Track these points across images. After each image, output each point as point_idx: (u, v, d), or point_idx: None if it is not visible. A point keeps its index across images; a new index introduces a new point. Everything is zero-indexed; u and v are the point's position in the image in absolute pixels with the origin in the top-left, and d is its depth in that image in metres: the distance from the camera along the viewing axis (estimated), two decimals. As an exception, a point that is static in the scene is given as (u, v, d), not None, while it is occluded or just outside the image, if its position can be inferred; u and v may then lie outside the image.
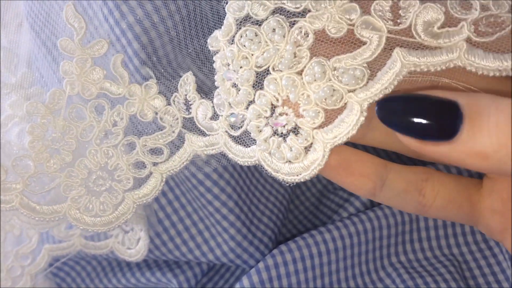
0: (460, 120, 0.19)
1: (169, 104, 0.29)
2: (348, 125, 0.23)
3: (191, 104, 0.28)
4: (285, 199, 0.44)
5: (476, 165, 0.19)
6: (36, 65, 0.35)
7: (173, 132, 0.29)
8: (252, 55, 0.24)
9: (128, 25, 0.30)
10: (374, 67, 0.23)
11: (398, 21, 0.22)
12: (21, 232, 0.41)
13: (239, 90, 0.25)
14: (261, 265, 0.35)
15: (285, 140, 0.24)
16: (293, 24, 0.23)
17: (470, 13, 0.21)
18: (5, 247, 0.40)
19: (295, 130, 0.24)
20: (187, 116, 0.28)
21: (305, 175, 0.24)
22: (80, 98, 0.30)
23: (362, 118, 0.23)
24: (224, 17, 0.25)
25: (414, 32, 0.22)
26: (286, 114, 0.24)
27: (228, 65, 0.25)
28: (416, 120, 0.20)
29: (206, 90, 0.28)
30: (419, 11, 0.22)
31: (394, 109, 0.21)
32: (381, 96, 0.22)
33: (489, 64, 0.21)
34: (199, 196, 0.40)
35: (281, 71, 0.24)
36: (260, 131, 0.25)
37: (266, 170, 0.25)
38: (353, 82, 0.23)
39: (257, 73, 0.24)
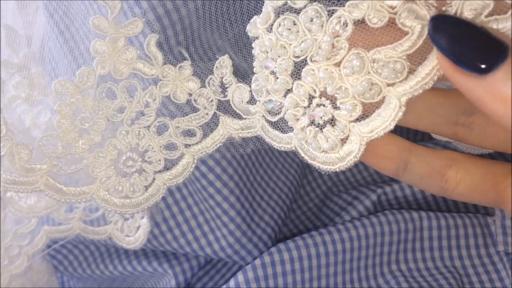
0: (501, 60, 0.18)
1: (203, 86, 0.29)
2: (385, 119, 0.22)
3: (227, 87, 0.28)
4: (288, 198, 0.43)
5: (495, 109, 0.19)
6: (49, 46, 0.34)
7: (207, 114, 0.29)
8: (290, 44, 0.24)
9: (165, 9, 0.29)
10: (415, 59, 0.22)
11: (444, 8, 0.21)
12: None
13: (277, 78, 0.25)
14: (257, 262, 0.35)
15: (322, 131, 0.24)
16: (332, 13, 0.22)
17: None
18: (4, 225, 0.40)
19: (332, 122, 0.24)
20: (223, 99, 0.28)
21: (341, 166, 0.24)
22: (111, 78, 0.29)
23: (401, 113, 0.22)
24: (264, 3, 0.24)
25: None
26: (324, 106, 0.24)
27: (267, 53, 0.25)
28: (459, 42, 0.19)
29: (243, 74, 0.28)
30: None
31: (444, 28, 0.20)
32: (420, 91, 0.22)
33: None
34: (201, 189, 0.39)
35: (318, 62, 0.23)
36: (297, 119, 0.25)
37: (302, 157, 0.25)
38: (393, 76, 0.22)
39: (295, 63, 0.24)
